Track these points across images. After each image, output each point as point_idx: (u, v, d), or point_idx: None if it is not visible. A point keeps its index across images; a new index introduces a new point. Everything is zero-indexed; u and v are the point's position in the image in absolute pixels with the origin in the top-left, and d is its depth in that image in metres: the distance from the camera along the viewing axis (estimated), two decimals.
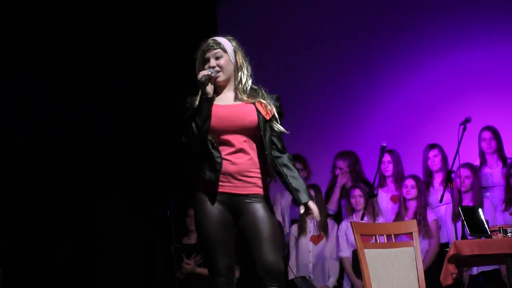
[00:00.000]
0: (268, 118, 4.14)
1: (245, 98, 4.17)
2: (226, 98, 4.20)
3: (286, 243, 7.29)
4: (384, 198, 7.28)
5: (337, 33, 8.57)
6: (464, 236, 6.13)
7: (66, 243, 7.37)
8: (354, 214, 7.07)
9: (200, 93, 4.11)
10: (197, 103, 4.12)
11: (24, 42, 7.33)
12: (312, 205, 4.15)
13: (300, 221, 7.20)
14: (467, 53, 7.99)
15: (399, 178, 7.21)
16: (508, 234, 5.67)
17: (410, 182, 6.96)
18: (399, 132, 8.05)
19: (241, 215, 4.13)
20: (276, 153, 4.18)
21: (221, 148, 4.11)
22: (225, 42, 4.21)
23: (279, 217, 7.61)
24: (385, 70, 8.31)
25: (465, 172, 6.74)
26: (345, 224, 7.08)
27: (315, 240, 7.16)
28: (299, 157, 7.54)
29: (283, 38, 8.74)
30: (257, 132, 4.13)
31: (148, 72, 8.24)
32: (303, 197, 4.15)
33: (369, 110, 8.32)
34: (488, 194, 7.04)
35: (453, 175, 6.53)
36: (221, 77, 4.17)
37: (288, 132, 4.22)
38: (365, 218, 6.79)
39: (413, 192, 6.93)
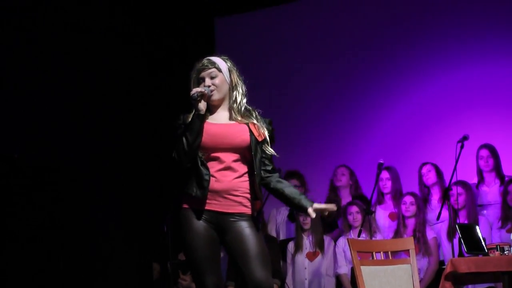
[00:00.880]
0: (260, 139, 4.16)
1: (239, 118, 4.18)
2: (220, 117, 4.21)
3: (283, 259, 7.28)
4: (382, 215, 7.28)
5: (336, 49, 8.59)
6: (461, 254, 6.12)
7: (62, 259, 7.34)
8: (351, 231, 7.06)
9: (193, 110, 4.12)
10: (189, 120, 4.14)
11: (19, 56, 7.34)
12: (317, 205, 4.14)
13: (296, 237, 7.20)
14: (466, 71, 8.00)
15: (397, 195, 7.21)
16: (505, 252, 5.66)
17: (409, 199, 6.96)
18: (397, 150, 8.05)
19: (227, 234, 4.11)
20: (267, 174, 4.19)
21: (209, 164, 4.12)
22: (220, 61, 4.22)
23: (273, 234, 7.60)
24: (383, 88, 8.32)
25: (458, 189, 6.74)
26: (342, 241, 7.07)
27: (311, 257, 7.15)
28: (297, 174, 7.54)
29: (280, 53, 8.75)
30: (248, 152, 4.14)
31: (145, 80, 8.26)
32: (307, 202, 4.14)
33: (366, 127, 8.32)
34: (485, 212, 7.04)
35: (450, 192, 6.54)
36: (215, 96, 4.17)
37: (278, 156, 4.22)
38: (362, 234, 6.79)
39: (412, 209, 6.92)
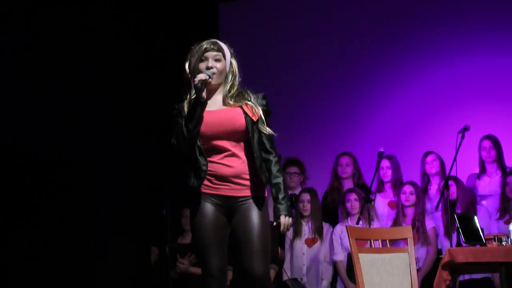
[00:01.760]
0: (255, 119, 4.18)
1: (232, 102, 4.21)
2: (214, 103, 4.23)
3: (281, 245, 7.29)
4: (382, 203, 7.28)
5: (338, 39, 8.57)
6: (459, 244, 6.14)
7: (60, 243, 7.37)
8: (349, 218, 7.07)
9: (193, 97, 4.14)
10: (185, 109, 4.18)
11: (20, 45, 7.33)
12: (282, 219, 4.18)
13: (295, 223, 7.21)
14: (468, 61, 8.00)
15: (397, 184, 7.21)
16: (503, 243, 5.67)
17: (408, 189, 6.96)
18: (398, 139, 8.05)
19: (234, 217, 4.18)
20: (263, 155, 4.21)
21: (213, 153, 4.16)
22: (225, 48, 4.26)
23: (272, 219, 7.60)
24: (385, 77, 8.31)
25: (451, 183, 6.74)
26: (339, 228, 7.08)
27: (310, 243, 7.16)
28: (297, 161, 7.55)
29: (282, 41, 8.74)
30: (246, 135, 4.17)
31: (144, 71, 8.25)
32: (277, 210, 4.20)
33: (367, 116, 8.32)
34: (484, 202, 7.04)
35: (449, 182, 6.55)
36: (215, 80, 4.20)
37: (275, 134, 4.24)
38: (361, 222, 6.79)
39: (412, 199, 6.92)
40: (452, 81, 8.05)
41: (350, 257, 6.50)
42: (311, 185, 7.46)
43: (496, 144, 7.13)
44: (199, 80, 4.07)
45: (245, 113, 4.17)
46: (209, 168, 4.15)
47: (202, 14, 8.87)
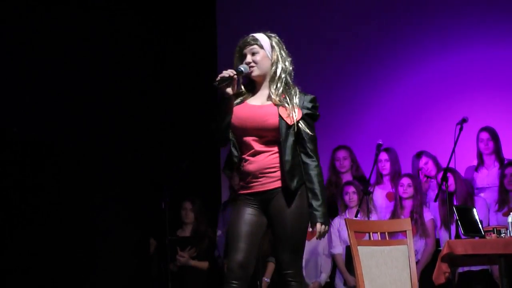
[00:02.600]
0: (290, 123, 4.12)
1: (276, 99, 4.16)
2: (259, 97, 4.23)
3: None
4: (380, 195, 7.28)
5: (335, 31, 8.55)
6: (457, 236, 6.14)
7: (59, 234, 7.36)
8: (347, 211, 7.07)
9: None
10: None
11: (23, 35, 7.32)
12: (318, 226, 4.14)
13: None
14: (466, 53, 7.99)
15: (396, 176, 7.20)
16: (502, 235, 5.68)
17: (406, 181, 6.96)
18: (396, 131, 8.04)
19: (268, 209, 4.16)
20: (303, 158, 4.15)
21: (243, 149, 4.18)
22: (263, 38, 4.25)
23: None
24: (382, 69, 8.29)
25: (448, 174, 6.74)
26: (337, 221, 7.08)
27: (308, 236, 7.10)
28: None
29: (280, 33, 8.70)
30: (278, 136, 4.14)
31: (142, 63, 8.24)
32: (313, 216, 4.14)
33: (365, 109, 8.31)
34: (482, 194, 7.04)
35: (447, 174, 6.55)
36: (255, 72, 4.20)
37: (311, 134, 4.17)
38: (359, 215, 6.79)
39: (410, 191, 6.92)
40: (450, 73, 8.04)
41: (348, 250, 6.51)
42: None
43: (494, 136, 7.13)
44: (216, 80, 4.09)
45: (280, 116, 4.12)
46: (240, 166, 4.18)
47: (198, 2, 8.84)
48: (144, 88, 8.18)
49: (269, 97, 4.20)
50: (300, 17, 8.67)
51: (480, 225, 5.81)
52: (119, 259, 7.79)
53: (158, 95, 8.36)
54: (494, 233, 5.69)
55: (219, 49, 8.73)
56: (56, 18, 7.53)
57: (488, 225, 6.39)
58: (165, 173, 7.83)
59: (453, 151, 6.49)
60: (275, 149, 4.15)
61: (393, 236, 6.04)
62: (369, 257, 5.53)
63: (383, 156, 7.21)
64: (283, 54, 4.26)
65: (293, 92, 4.19)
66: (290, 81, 4.24)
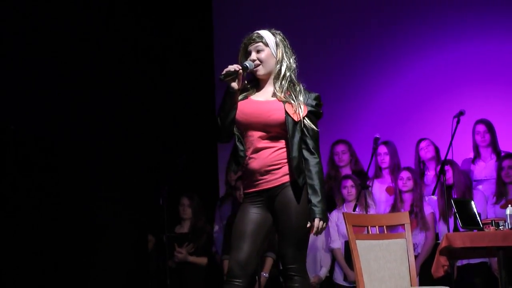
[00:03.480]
0: (297, 120, 4.12)
1: (280, 95, 4.16)
2: (264, 93, 4.22)
3: None
4: (380, 189, 7.28)
5: (334, 26, 8.55)
6: (456, 229, 6.14)
7: (56, 231, 7.35)
8: (344, 205, 7.07)
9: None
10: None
11: (24, 33, 7.31)
12: (316, 222, 4.13)
13: None
14: (463, 46, 7.99)
15: (395, 169, 7.19)
16: (500, 227, 5.68)
17: (405, 174, 6.96)
18: (393, 125, 8.05)
19: (274, 205, 4.16)
20: (305, 154, 4.15)
21: (246, 145, 4.17)
22: (268, 35, 4.24)
23: None
24: (379, 63, 8.30)
25: (447, 167, 6.75)
26: (335, 215, 7.08)
27: None
28: None
29: (278, 26, 8.67)
30: (283, 132, 4.13)
31: (139, 58, 8.23)
32: (312, 212, 4.13)
33: (363, 102, 8.31)
34: (480, 187, 7.05)
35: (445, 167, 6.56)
36: (261, 70, 4.20)
37: (317, 129, 4.17)
38: (357, 209, 6.79)
39: (409, 184, 6.92)
40: (447, 66, 8.05)
41: (347, 244, 6.51)
42: None
43: (490, 128, 7.13)
44: (222, 74, 4.09)
45: (286, 112, 4.12)
46: (245, 163, 4.17)
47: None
48: (142, 85, 8.17)
49: (273, 94, 4.20)
50: (297, 14, 8.66)
51: (478, 218, 5.80)
52: (117, 255, 7.78)
53: (156, 93, 8.35)
54: (492, 225, 5.69)
55: (216, 46, 8.73)
56: (55, 18, 7.51)
57: (486, 217, 6.39)
58: (162, 169, 7.82)
59: (451, 143, 6.50)
60: (279, 145, 4.15)
61: (392, 230, 6.04)
62: (367, 251, 5.53)
63: (382, 149, 7.21)
64: (288, 51, 4.26)
65: (297, 89, 4.19)
66: (294, 78, 4.24)
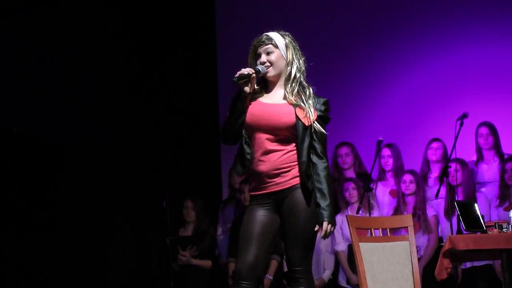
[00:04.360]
0: (307, 124, 4.12)
1: (292, 97, 4.15)
2: (274, 96, 4.21)
3: None
4: (383, 192, 7.27)
5: (337, 29, 8.55)
6: (459, 231, 6.13)
7: (60, 235, 7.37)
8: (348, 208, 7.06)
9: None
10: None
11: (24, 35, 7.32)
12: (324, 225, 4.13)
13: None
14: (466, 49, 7.99)
15: (399, 172, 7.18)
16: (504, 230, 5.66)
17: (408, 177, 6.95)
18: (396, 127, 8.04)
19: (281, 206, 4.16)
20: (313, 158, 4.15)
21: (254, 148, 4.15)
22: (277, 37, 4.22)
23: None
24: (383, 66, 8.30)
25: (456, 166, 6.74)
26: (339, 218, 7.07)
27: None
28: None
29: (280, 25, 8.63)
30: (292, 135, 4.13)
31: (142, 51, 8.24)
32: (320, 215, 4.14)
33: (366, 105, 8.31)
34: (483, 189, 7.04)
35: (448, 170, 6.55)
36: (271, 72, 4.18)
37: (326, 133, 4.18)
38: (360, 211, 6.79)
39: (412, 187, 6.92)
40: (450, 69, 8.05)
41: (351, 247, 6.50)
42: None
43: (493, 130, 7.12)
44: (235, 77, 4.06)
45: (297, 116, 4.12)
46: (252, 165, 4.16)
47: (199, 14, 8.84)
48: (145, 87, 8.18)
49: (284, 97, 4.19)
50: (300, 17, 8.66)
51: (481, 220, 5.80)
52: (121, 258, 7.80)
53: (159, 94, 8.35)
54: (496, 228, 5.67)
55: (219, 46, 8.73)
56: (56, 18, 7.53)
57: (490, 220, 6.38)
58: (166, 172, 7.83)
59: (454, 146, 6.50)
60: (288, 148, 4.14)
61: (395, 232, 6.04)
62: (371, 253, 5.52)
63: (386, 152, 7.20)
64: (298, 53, 4.25)
65: (307, 93, 4.19)
66: (304, 81, 4.23)
